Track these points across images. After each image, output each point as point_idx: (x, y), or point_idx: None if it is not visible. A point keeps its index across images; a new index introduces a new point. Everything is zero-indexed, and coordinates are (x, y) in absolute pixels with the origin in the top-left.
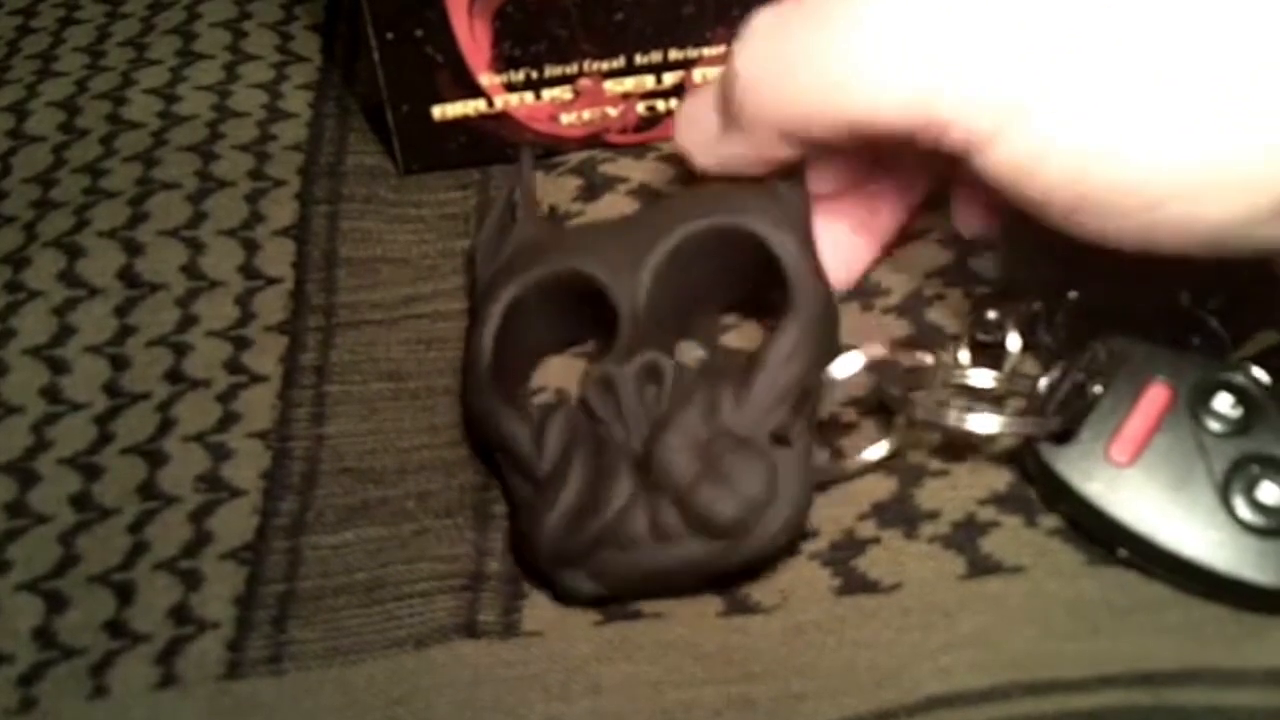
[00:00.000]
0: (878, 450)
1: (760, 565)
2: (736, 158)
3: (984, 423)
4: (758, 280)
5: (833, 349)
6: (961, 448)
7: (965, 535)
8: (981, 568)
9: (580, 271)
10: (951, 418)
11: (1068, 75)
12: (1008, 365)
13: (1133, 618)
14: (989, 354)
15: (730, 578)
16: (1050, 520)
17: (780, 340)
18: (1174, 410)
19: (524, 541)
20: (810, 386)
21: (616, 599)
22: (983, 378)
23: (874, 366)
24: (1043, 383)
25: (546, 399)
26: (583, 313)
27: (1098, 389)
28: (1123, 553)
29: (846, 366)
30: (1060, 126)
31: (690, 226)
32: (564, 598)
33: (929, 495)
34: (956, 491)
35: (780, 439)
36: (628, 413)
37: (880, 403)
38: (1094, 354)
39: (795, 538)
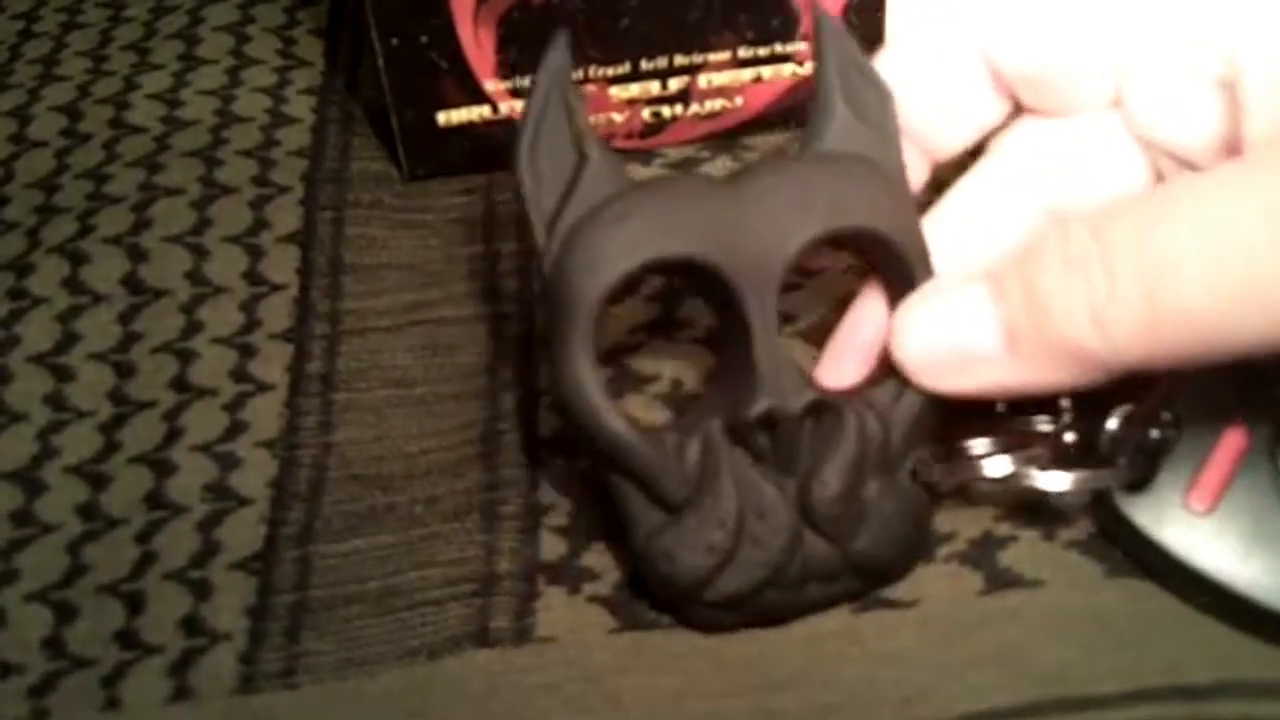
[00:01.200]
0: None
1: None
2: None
3: (1055, 480)
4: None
5: None
6: None
7: (982, 551)
8: (1000, 582)
9: (709, 265)
10: (1022, 477)
11: None
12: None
13: (1158, 630)
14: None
15: None
16: (1068, 533)
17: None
18: (1252, 454)
19: (659, 576)
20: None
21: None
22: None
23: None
24: (1111, 425)
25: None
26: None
27: (1171, 433)
28: (1203, 601)
29: (1000, 466)
30: None
31: (823, 225)
32: (694, 625)
33: (944, 519)
34: (971, 510)
35: (924, 482)
36: (785, 455)
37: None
38: (1164, 395)
39: None
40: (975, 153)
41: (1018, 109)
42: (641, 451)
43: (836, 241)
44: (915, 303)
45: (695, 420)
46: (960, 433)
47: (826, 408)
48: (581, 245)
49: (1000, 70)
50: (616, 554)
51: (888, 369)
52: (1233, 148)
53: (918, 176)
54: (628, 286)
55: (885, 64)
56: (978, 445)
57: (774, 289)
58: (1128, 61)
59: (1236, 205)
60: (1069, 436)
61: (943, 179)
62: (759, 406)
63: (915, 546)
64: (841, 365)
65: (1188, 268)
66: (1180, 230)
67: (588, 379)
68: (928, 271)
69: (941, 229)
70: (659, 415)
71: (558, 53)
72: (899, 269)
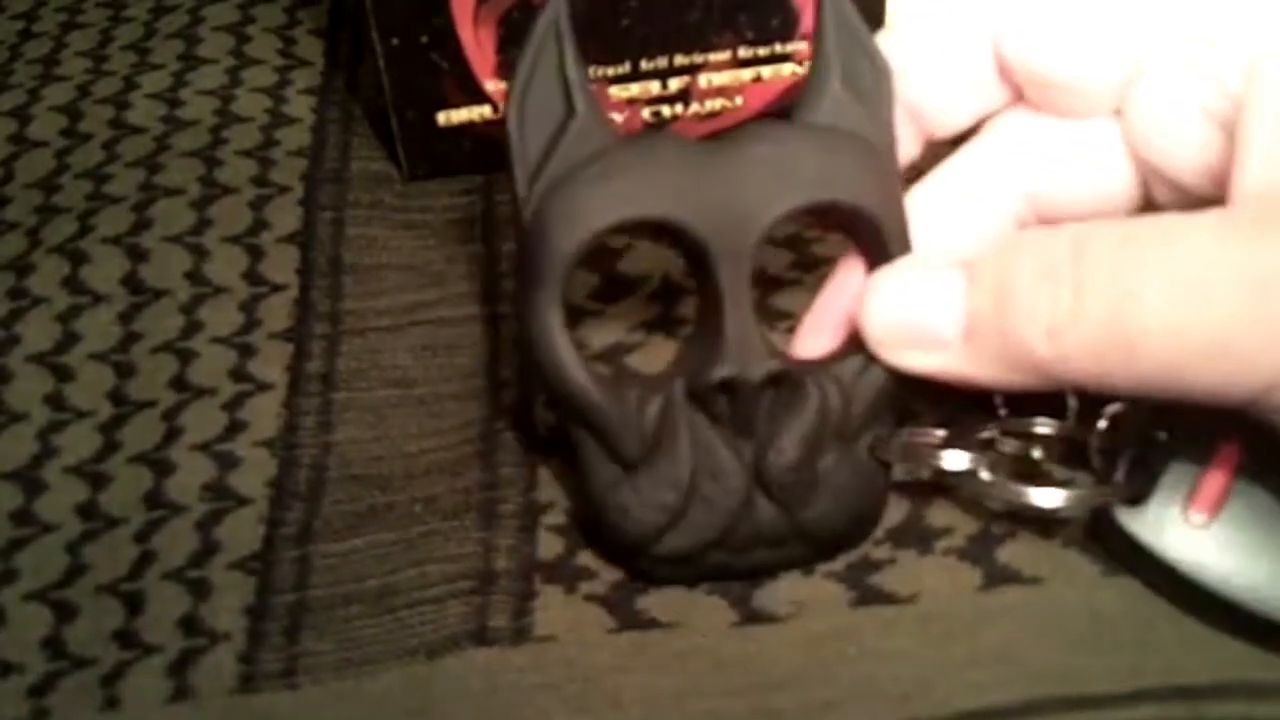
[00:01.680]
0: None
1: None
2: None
3: (1048, 497)
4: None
5: None
6: None
7: (981, 547)
8: (999, 578)
9: (685, 228)
10: (1015, 493)
11: None
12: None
13: (1155, 630)
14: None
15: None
16: (1066, 530)
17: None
18: (1249, 462)
19: (612, 526)
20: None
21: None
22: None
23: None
24: (1101, 436)
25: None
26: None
27: (1166, 442)
28: (1208, 612)
29: (958, 461)
30: None
31: (804, 197)
32: (640, 577)
33: (941, 514)
34: (969, 506)
35: (880, 459)
36: (746, 417)
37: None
38: (1159, 407)
39: None
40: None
41: (1018, 98)
42: (602, 406)
43: (818, 214)
44: (888, 274)
45: (660, 380)
46: (932, 420)
47: (788, 377)
48: (560, 199)
49: (1008, 63)
50: (578, 512)
51: (857, 343)
52: (1221, 184)
53: (909, 151)
54: (602, 252)
55: (893, 36)
56: (936, 434)
57: (748, 256)
58: (1135, 76)
59: (1211, 264)
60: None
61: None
62: (720, 372)
63: (865, 520)
64: (816, 336)
65: (1151, 309)
66: (1153, 272)
67: (555, 330)
68: (905, 250)
69: (921, 205)
70: None
71: (556, 3)
72: (878, 246)
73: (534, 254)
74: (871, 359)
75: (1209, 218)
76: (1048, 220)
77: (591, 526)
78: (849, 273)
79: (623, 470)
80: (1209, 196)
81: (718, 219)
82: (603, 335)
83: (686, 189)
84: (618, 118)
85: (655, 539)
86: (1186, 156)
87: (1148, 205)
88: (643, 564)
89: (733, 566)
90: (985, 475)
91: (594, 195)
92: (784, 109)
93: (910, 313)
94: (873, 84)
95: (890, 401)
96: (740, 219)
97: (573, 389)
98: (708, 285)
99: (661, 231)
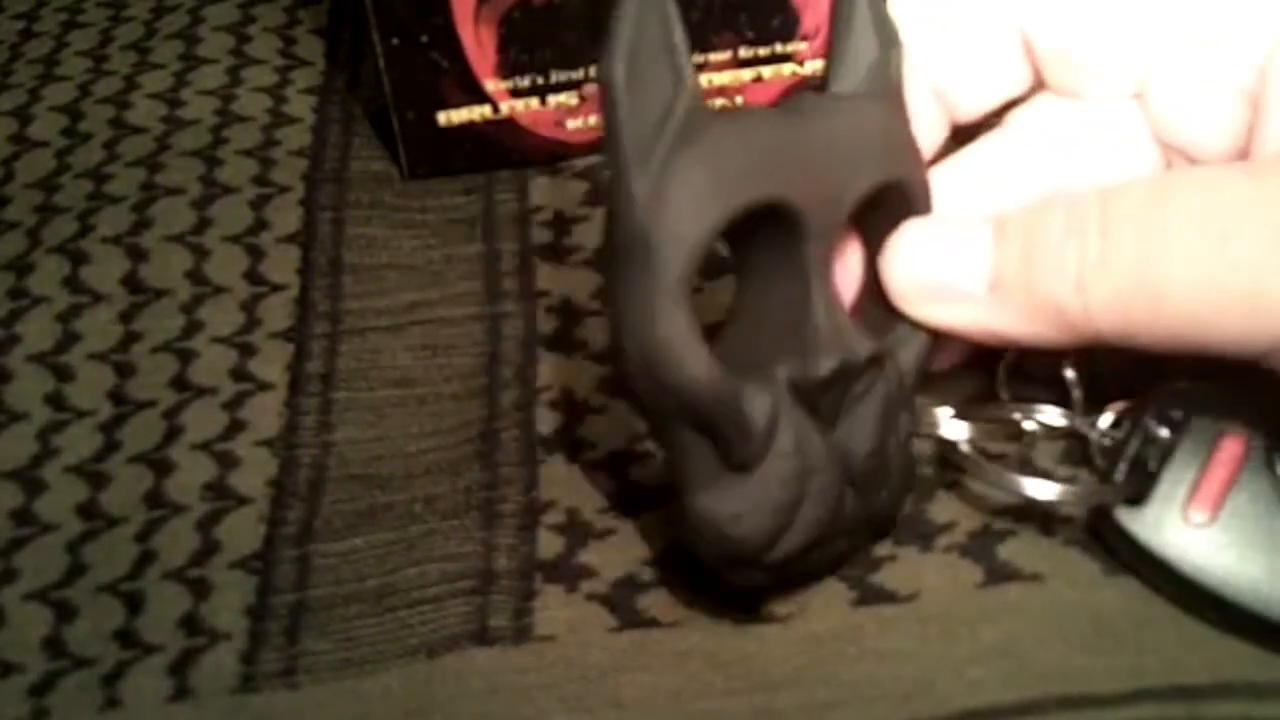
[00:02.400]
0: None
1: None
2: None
3: (1044, 489)
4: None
5: None
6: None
7: (981, 544)
8: (999, 576)
9: (789, 207)
10: (1012, 482)
11: None
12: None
13: (1155, 630)
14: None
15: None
16: (1067, 529)
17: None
18: (1250, 462)
19: (723, 539)
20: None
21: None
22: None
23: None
24: (1102, 432)
25: (553, 397)
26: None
27: (1166, 441)
28: (1208, 612)
29: (958, 430)
30: None
31: (882, 172)
32: (733, 586)
33: (942, 509)
34: (970, 503)
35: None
36: (836, 407)
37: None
38: (1159, 406)
39: None
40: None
41: (1040, 85)
42: (725, 406)
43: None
44: (914, 227)
45: (757, 373)
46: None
47: (875, 360)
48: (681, 183)
49: (1033, 42)
50: (613, 550)
51: (888, 320)
52: (1245, 159)
53: (936, 134)
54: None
55: (919, 15)
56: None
57: (832, 237)
58: (1158, 52)
59: (1239, 209)
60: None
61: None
62: (829, 363)
63: (905, 500)
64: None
65: (1179, 258)
66: (1181, 219)
67: (681, 326)
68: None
69: (943, 189)
70: None
71: None
72: (905, 211)
73: (650, 244)
74: (914, 329)
75: (1234, 168)
76: None
77: (692, 537)
78: (852, 257)
79: (730, 474)
80: None
81: (813, 196)
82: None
83: (787, 167)
84: None
85: (771, 545)
86: (1209, 135)
87: None
88: (747, 573)
89: (819, 562)
90: (983, 461)
91: (718, 178)
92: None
93: (936, 265)
94: (891, 52)
95: (923, 377)
96: (831, 196)
97: (699, 388)
98: (790, 268)
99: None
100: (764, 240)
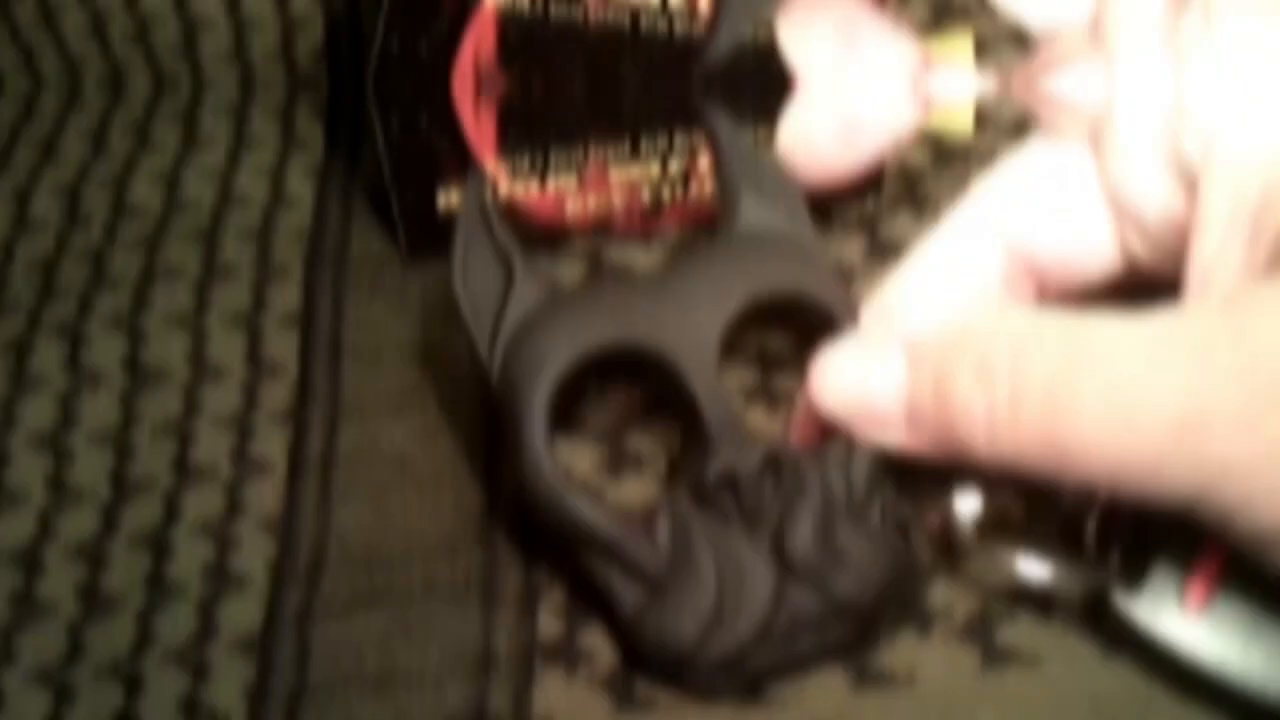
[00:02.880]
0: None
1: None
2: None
3: (1040, 572)
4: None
5: None
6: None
7: (979, 627)
8: (998, 658)
9: (643, 347)
10: (1009, 565)
11: None
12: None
13: (1155, 714)
14: None
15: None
16: (1064, 611)
17: None
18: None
19: (654, 646)
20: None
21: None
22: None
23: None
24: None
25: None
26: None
27: (1158, 529)
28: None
29: (970, 505)
30: None
31: (750, 291)
32: (703, 692)
33: (940, 593)
34: (967, 585)
35: (901, 529)
36: (751, 509)
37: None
38: None
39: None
40: None
41: None
42: (611, 532)
43: (772, 311)
44: (834, 350)
45: (663, 495)
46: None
47: (784, 461)
48: (521, 351)
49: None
50: (611, 634)
51: None
52: (1182, 235)
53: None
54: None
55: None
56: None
57: (712, 358)
58: (1108, 119)
59: (1143, 390)
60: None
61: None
62: (715, 467)
63: (899, 589)
64: (809, 426)
65: (1086, 425)
66: (1088, 389)
67: (546, 470)
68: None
69: (909, 275)
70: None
71: (475, 179)
72: (831, 330)
73: (511, 407)
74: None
75: (1146, 331)
76: (1036, 273)
77: (633, 650)
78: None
79: (648, 589)
80: (1174, 249)
81: (672, 334)
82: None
83: (637, 314)
84: (618, 201)
85: (699, 647)
86: (1153, 206)
87: (1126, 257)
88: (694, 677)
89: (783, 660)
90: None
91: (551, 337)
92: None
93: (855, 389)
94: (781, 189)
95: (886, 470)
96: (696, 328)
97: (579, 521)
98: (682, 397)
99: (615, 361)
100: (657, 380)
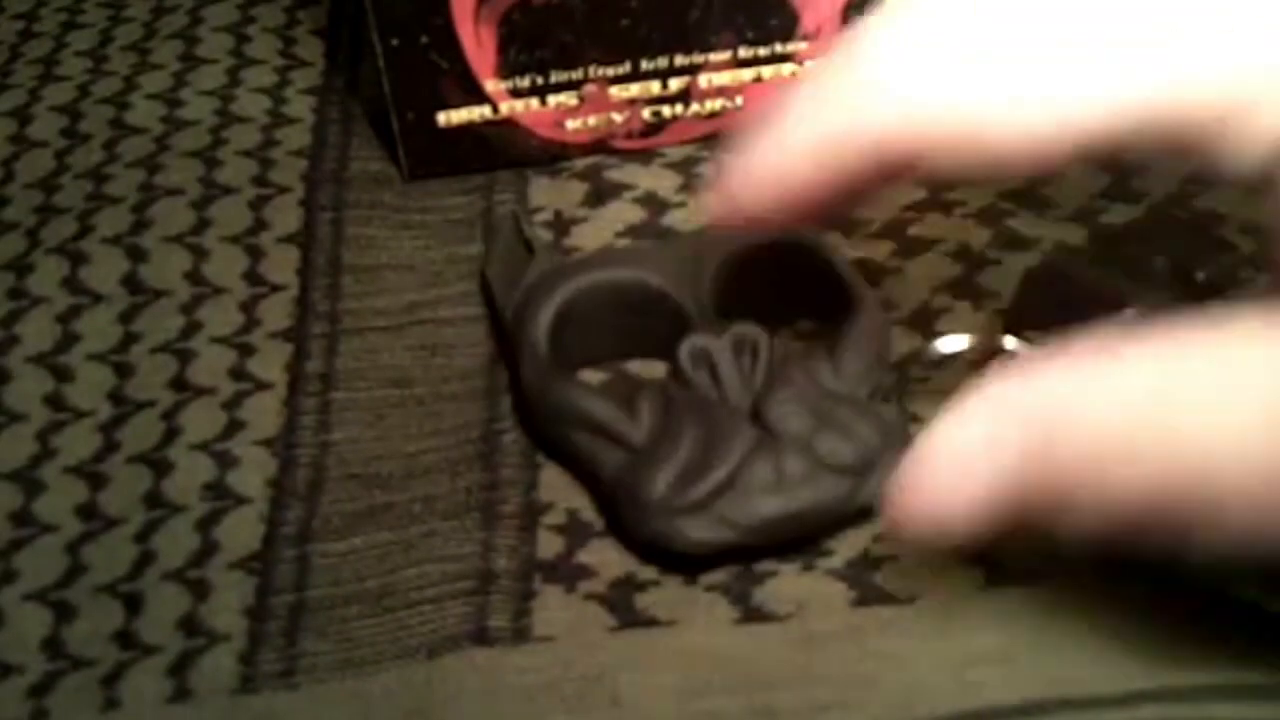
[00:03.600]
0: None
1: (874, 512)
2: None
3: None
4: (805, 294)
5: (889, 350)
6: None
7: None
8: (1002, 578)
9: (639, 278)
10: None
11: None
12: None
13: (1149, 631)
14: None
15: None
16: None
17: (859, 319)
18: None
19: (630, 501)
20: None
21: (733, 553)
22: None
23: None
24: None
25: None
26: (631, 326)
27: None
28: None
29: (953, 343)
30: None
31: (744, 240)
32: (685, 551)
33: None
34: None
35: (885, 397)
36: (727, 381)
37: None
38: None
39: None
40: None
41: None
42: (598, 409)
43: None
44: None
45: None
46: None
47: (759, 341)
48: (536, 291)
49: None
50: (613, 549)
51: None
52: None
53: None
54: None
55: None
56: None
57: (707, 295)
58: None
59: None
60: None
61: None
62: (688, 345)
63: (878, 454)
64: None
65: None
66: None
67: (542, 354)
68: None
69: None
70: None
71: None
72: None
73: (521, 333)
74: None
75: None
76: None
77: (612, 512)
78: None
79: (632, 456)
80: None
81: (674, 266)
82: (907, 296)
83: (637, 262)
84: (618, 118)
85: (677, 492)
86: None
87: None
88: (677, 529)
89: (777, 519)
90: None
91: (561, 278)
92: None
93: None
94: None
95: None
96: (693, 272)
97: (577, 407)
98: (675, 319)
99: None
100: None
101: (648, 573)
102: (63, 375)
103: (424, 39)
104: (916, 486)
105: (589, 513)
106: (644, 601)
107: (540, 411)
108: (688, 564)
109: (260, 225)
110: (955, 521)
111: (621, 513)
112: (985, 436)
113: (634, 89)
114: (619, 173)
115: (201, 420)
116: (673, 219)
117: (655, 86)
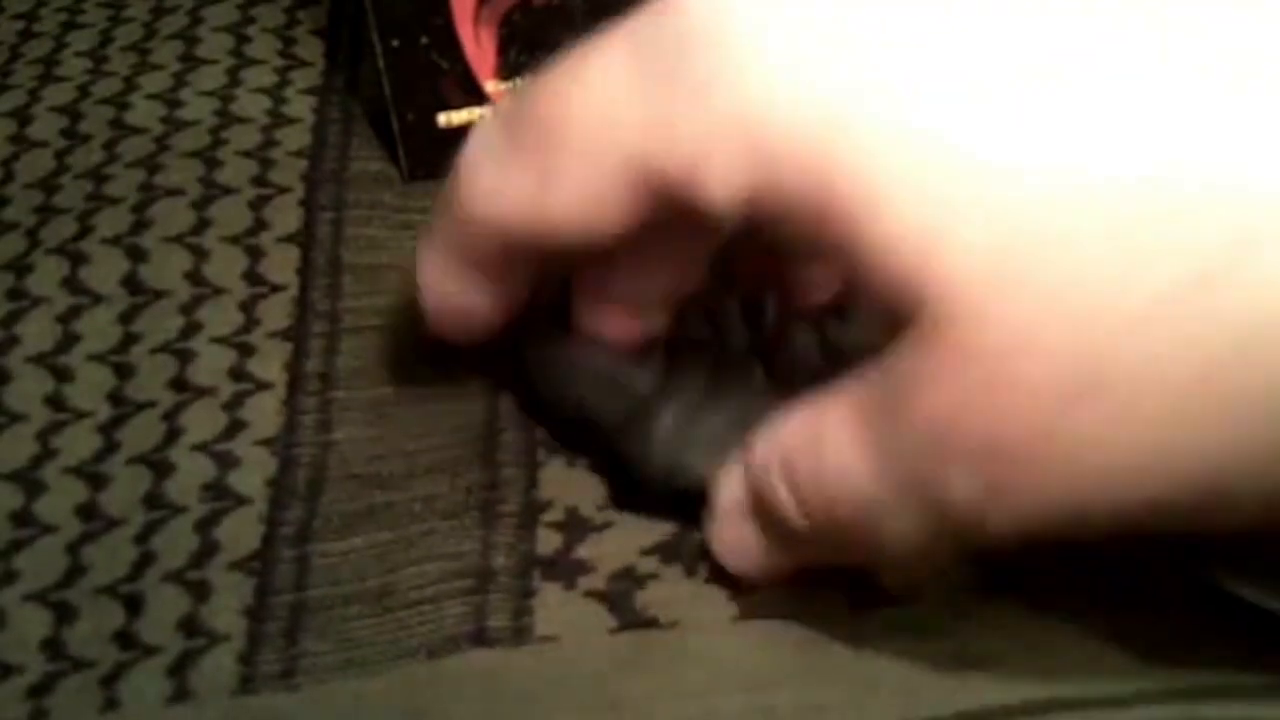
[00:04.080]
0: None
1: None
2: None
3: None
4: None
5: None
6: None
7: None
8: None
9: None
10: None
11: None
12: None
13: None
14: None
15: None
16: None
17: None
18: None
19: (636, 439)
20: None
21: None
22: None
23: None
24: None
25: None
26: None
27: None
28: None
29: None
30: None
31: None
32: (689, 488)
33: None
34: None
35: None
36: (734, 334)
37: None
38: None
39: None
40: None
41: None
42: (606, 361)
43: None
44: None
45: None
46: None
47: (764, 303)
48: None
49: None
50: (611, 542)
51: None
52: None
53: None
54: None
55: None
56: None
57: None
58: None
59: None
60: None
61: None
62: (695, 302)
63: None
64: None
65: None
66: None
67: (546, 317)
68: None
69: None
70: None
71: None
72: None
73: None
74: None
75: None
76: None
77: (616, 464)
78: None
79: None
80: None
81: None
82: None
83: None
84: None
85: (680, 434)
86: None
87: None
88: (691, 468)
89: None
90: None
91: None
92: None
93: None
94: None
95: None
96: None
97: (585, 363)
98: None
99: None
100: None
101: (647, 566)
102: (63, 375)
103: (424, 39)
104: (713, 543)
105: (588, 508)
106: (643, 600)
107: (544, 368)
108: (690, 503)
109: (260, 225)
110: (755, 570)
111: (627, 451)
112: (733, 500)
113: None
114: None
115: (201, 420)
116: None
117: None
